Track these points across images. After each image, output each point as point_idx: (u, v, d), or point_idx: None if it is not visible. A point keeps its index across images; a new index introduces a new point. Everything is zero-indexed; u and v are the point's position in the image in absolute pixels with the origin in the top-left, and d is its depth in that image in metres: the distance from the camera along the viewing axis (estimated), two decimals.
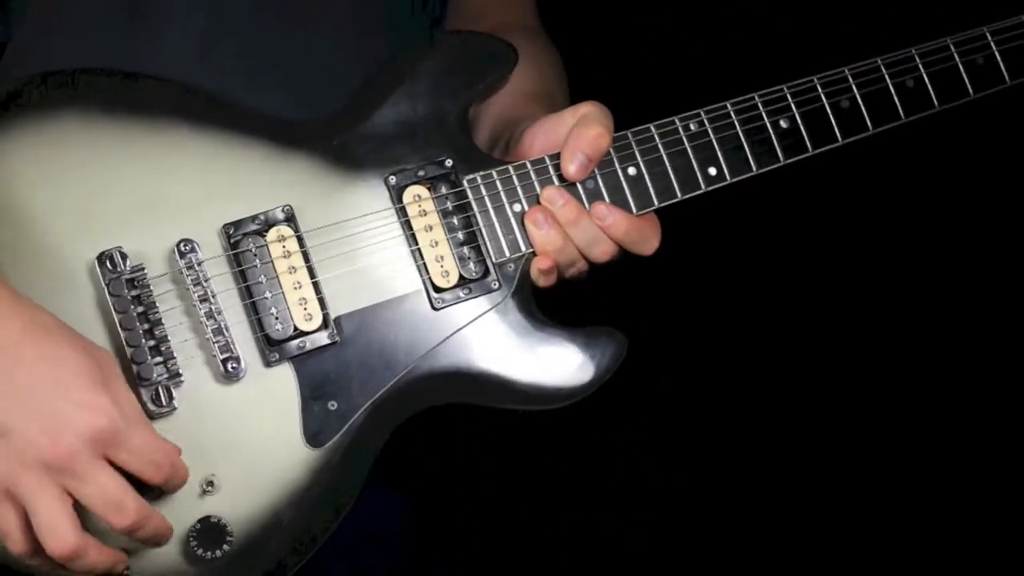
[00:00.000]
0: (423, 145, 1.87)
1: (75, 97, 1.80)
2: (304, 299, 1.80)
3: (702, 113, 1.92)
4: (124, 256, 1.76)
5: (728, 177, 1.92)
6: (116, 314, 1.75)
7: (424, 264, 1.84)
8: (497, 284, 1.86)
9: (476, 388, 1.84)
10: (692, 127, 1.92)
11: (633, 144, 1.90)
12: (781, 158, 1.94)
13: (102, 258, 1.76)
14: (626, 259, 1.91)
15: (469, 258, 1.85)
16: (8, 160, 1.77)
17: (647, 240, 1.88)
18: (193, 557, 1.74)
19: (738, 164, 1.92)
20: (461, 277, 1.85)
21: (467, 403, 1.85)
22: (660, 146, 1.90)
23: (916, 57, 1.98)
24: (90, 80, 1.82)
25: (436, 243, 1.85)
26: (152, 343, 1.75)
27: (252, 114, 1.85)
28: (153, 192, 1.80)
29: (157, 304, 1.76)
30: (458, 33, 1.96)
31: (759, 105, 1.94)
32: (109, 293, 1.75)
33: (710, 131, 1.92)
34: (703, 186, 1.92)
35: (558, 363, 1.85)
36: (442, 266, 1.85)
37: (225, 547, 1.73)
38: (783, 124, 1.94)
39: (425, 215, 1.85)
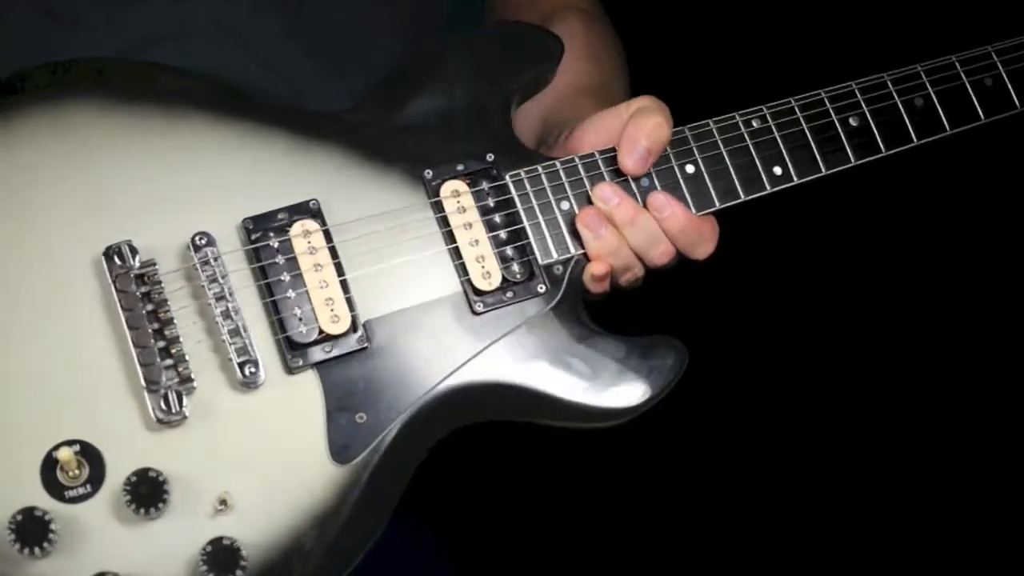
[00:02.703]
0: (462, 139, 1.71)
1: (86, 84, 1.66)
2: (331, 299, 1.63)
3: (764, 109, 1.77)
4: (134, 250, 1.60)
5: (795, 177, 1.76)
6: (122, 312, 1.58)
7: (463, 264, 1.67)
8: (544, 287, 1.68)
9: (521, 404, 1.66)
10: (754, 123, 1.76)
11: (691, 140, 1.74)
12: (852, 158, 1.78)
13: (109, 252, 1.59)
14: (681, 264, 1.75)
15: (513, 259, 1.68)
16: (13, 146, 1.61)
17: (703, 241, 1.71)
18: None
19: (805, 164, 1.76)
20: (504, 279, 1.68)
21: (509, 420, 1.67)
22: (720, 143, 1.75)
23: (993, 54, 1.83)
24: (102, 67, 1.68)
25: (476, 242, 1.68)
26: (162, 344, 1.58)
27: (272, 105, 1.71)
28: (166, 185, 1.64)
29: (168, 302, 1.59)
30: (502, 22, 1.81)
31: (826, 101, 1.78)
32: (116, 289, 1.58)
33: (774, 128, 1.76)
34: (768, 186, 1.75)
35: (612, 377, 1.67)
36: (483, 267, 1.67)
37: (239, 573, 1.53)
38: (852, 122, 1.78)
39: (464, 212, 1.69)
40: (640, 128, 1.69)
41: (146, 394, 1.57)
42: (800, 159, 1.76)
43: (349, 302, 1.63)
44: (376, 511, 1.61)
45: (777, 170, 1.75)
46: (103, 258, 1.59)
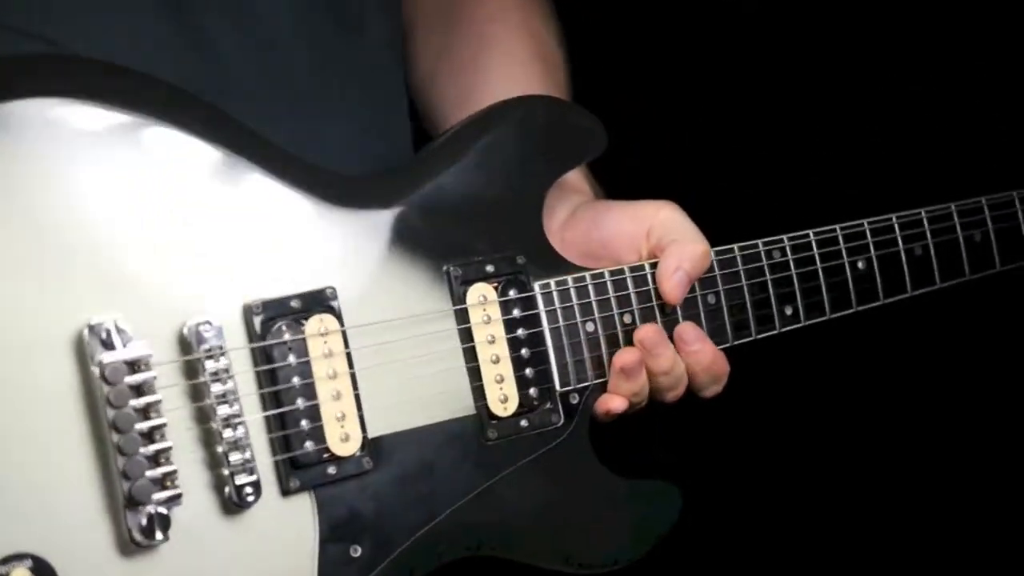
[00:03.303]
0: (492, 233, 1.52)
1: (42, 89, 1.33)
2: (343, 415, 1.42)
3: (785, 240, 1.67)
4: (121, 332, 1.32)
5: (802, 319, 1.68)
6: (109, 409, 1.31)
7: (482, 386, 1.49)
8: (558, 419, 1.53)
9: (520, 544, 1.51)
10: (775, 255, 1.65)
11: (715, 267, 1.62)
12: (854, 304, 1.71)
13: (94, 331, 1.31)
14: None
15: (531, 382, 1.52)
16: None
17: (719, 381, 1.61)
18: None
19: (813, 307, 1.68)
20: (520, 405, 1.51)
21: (503, 557, 1.52)
22: (743, 274, 1.63)
23: (986, 208, 1.81)
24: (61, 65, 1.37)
25: (497, 360, 1.50)
26: (150, 453, 1.32)
27: (293, 159, 1.44)
28: (156, 246, 1.36)
29: (162, 400, 1.33)
30: (548, 100, 1.60)
31: (840, 239, 1.70)
32: (104, 379, 1.31)
33: (792, 264, 1.66)
34: (777, 326, 1.66)
35: (613, 526, 1.55)
36: (501, 389, 1.50)
37: None
38: (860, 266, 1.71)
39: (489, 323, 1.50)
40: (686, 256, 1.56)
41: (124, 512, 1.31)
42: (810, 302, 1.67)
43: (362, 420, 1.42)
44: None
45: (788, 310, 1.66)
46: (86, 335, 1.31)
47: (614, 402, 1.54)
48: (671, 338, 1.56)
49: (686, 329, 1.57)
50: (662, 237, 1.57)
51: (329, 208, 1.44)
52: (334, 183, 1.45)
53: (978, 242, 1.80)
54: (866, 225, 1.72)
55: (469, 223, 1.51)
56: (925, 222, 1.75)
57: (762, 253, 1.65)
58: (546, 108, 1.57)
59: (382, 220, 1.46)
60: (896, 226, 1.73)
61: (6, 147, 1.30)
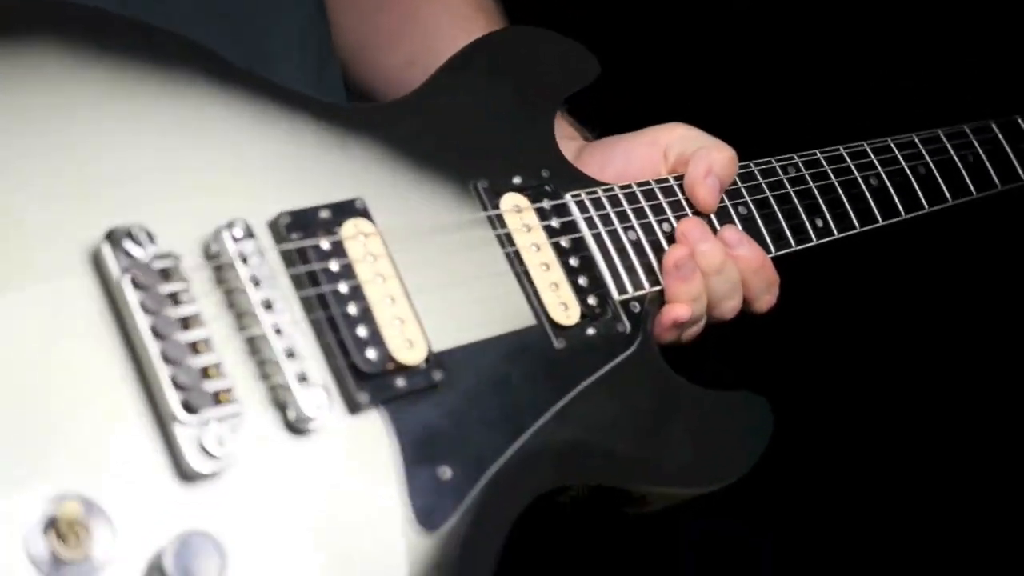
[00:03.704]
0: (512, 152, 1.41)
1: (56, 24, 1.22)
2: (401, 319, 1.25)
3: (796, 158, 1.59)
4: (150, 236, 1.15)
5: (835, 231, 1.58)
6: (144, 315, 1.12)
7: (536, 293, 1.34)
8: (626, 328, 1.38)
9: (614, 468, 1.33)
10: (791, 171, 1.58)
11: (737, 180, 1.53)
12: (879, 218, 1.63)
13: (115, 237, 1.14)
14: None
15: (588, 291, 1.37)
16: None
17: (771, 288, 1.49)
18: None
19: (840, 218, 1.59)
20: (583, 314, 1.36)
21: (599, 484, 1.33)
22: (765, 186, 1.55)
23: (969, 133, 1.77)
24: (89, 16, 1.24)
25: (548, 266, 1.36)
26: (199, 365, 1.13)
27: (294, 91, 1.33)
28: (173, 159, 1.22)
29: (201, 309, 1.15)
30: (542, 30, 1.53)
31: (846, 157, 1.63)
32: (135, 284, 1.13)
33: (808, 178, 1.58)
34: (813, 238, 1.56)
35: (706, 447, 1.38)
36: (558, 296, 1.35)
37: None
38: (873, 182, 1.64)
39: (529, 231, 1.37)
40: (715, 161, 1.47)
41: (176, 429, 1.10)
42: (836, 213, 1.59)
43: (421, 323, 1.25)
44: None
45: (818, 222, 1.57)
46: (106, 245, 1.14)
47: (677, 310, 1.40)
48: None
49: (729, 232, 1.46)
50: (683, 150, 1.49)
51: (345, 131, 1.32)
52: (344, 110, 1.36)
53: (971, 163, 1.75)
54: (867, 145, 1.66)
55: (487, 141, 1.40)
56: (919, 143, 1.71)
57: (777, 168, 1.57)
58: (544, 33, 1.50)
59: (396, 140, 1.35)
60: (893, 146, 1.68)
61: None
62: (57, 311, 1.12)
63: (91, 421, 1.09)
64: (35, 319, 1.11)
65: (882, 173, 1.65)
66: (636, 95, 1.74)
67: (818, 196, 1.58)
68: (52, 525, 1.04)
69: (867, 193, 1.62)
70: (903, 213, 1.65)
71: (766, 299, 1.49)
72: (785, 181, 1.56)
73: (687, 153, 1.48)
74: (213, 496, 1.11)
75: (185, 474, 1.11)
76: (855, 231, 1.60)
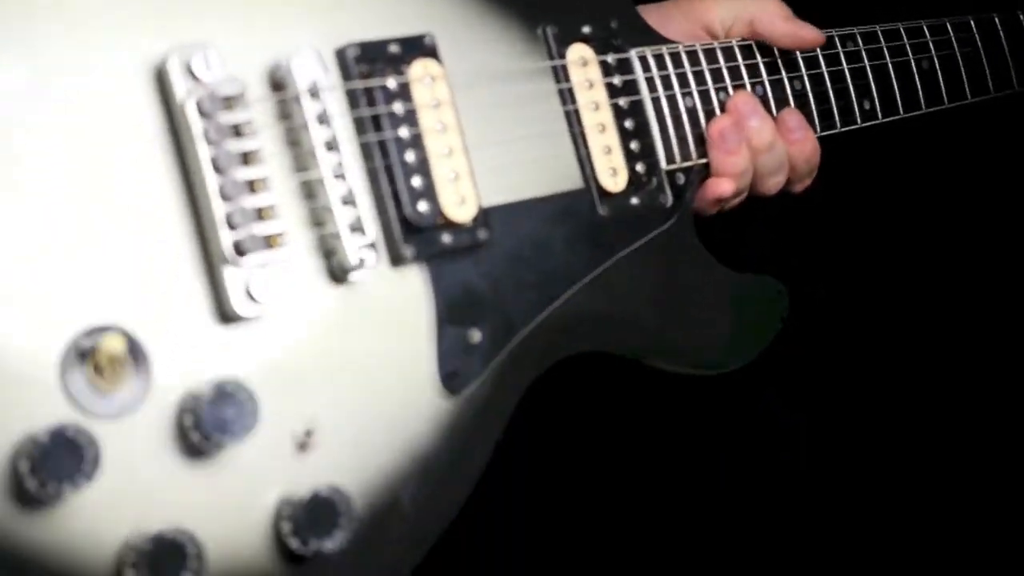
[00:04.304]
0: None
1: None
2: (456, 173, 1.21)
3: (856, 31, 1.55)
4: (211, 63, 1.09)
5: (879, 115, 1.55)
6: (206, 146, 1.08)
7: (589, 155, 1.31)
8: (667, 200, 1.36)
9: (633, 338, 1.34)
10: (849, 45, 1.53)
11: (797, 50, 1.48)
12: (922, 104, 1.60)
13: (183, 55, 1.08)
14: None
15: (638, 157, 1.34)
16: None
17: (812, 172, 1.47)
18: (283, 553, 1.09)
19: (888, 102, 1.56)
20: (629, 181, 1.33)
21: (618, 353, 1.33)
22: (822, 60, 1.50)
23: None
24: None
25: (603, 128, 1.32)
26: (253, 205, 1.09)
27: None
28: None
29: (263, 144, 1.11)
30: None
31: (903, 34, 1.59)
32: (200, 112, 1.07)
33: (864, 55, 1.54)
34: (859, 120, 1.53)
35: (723, 323, 1.39)
36: (610, 161, 1.32)
37: (336, 536, 1.09)
38: (924, 65, 1.60)
39: (591, 88, 1.32)
40: (777, 10, 1.44)
41: (224, 271, 1.08)
42: (886, 95, 1.56)
43: (474, 180, 1.22)
44: (476, 458, 1.22)
45: (866, 104, 1.54)
46: (172, 61, 1.08)
47: (722, 185, 1.38)
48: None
49: (791, 115, 1.43)
50: (732, 25, 1.46)
51: None
52: None
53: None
54: (924, 24, 1.62)
55: None
56: (974, 27, 1.66)
57: (837, 41, 1.52)
58: None
59: None
60: (950, 27, 1.64)
61: None
62: (113, 125, 1.07)
63: (138, 252, 1.06)
64: (91, 127, 1.06)
65: (935, 56, 1.61)
66: None
67: (870, 76, 1.54)
68: (91, 355, 1.03)
69: (916, 77, 1.59)
70: (946, 101, 1.63)
71: (805, 182, 1.48)
72: (842, 56, 1.52)
73: (738, 25, 1.45)
74: (251, 340, 1.10)
75: (227, 316, 1.09)
76: (899, 116, 1.58)
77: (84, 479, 0.99)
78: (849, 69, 1.52)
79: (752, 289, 1.41)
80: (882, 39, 1.56)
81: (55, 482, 0.98)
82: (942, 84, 1.61)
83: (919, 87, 1.58)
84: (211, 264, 1.08)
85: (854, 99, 1.52)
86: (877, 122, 1.56)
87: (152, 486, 1.05)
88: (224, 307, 1.08)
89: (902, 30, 1.58)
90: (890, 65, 1.56)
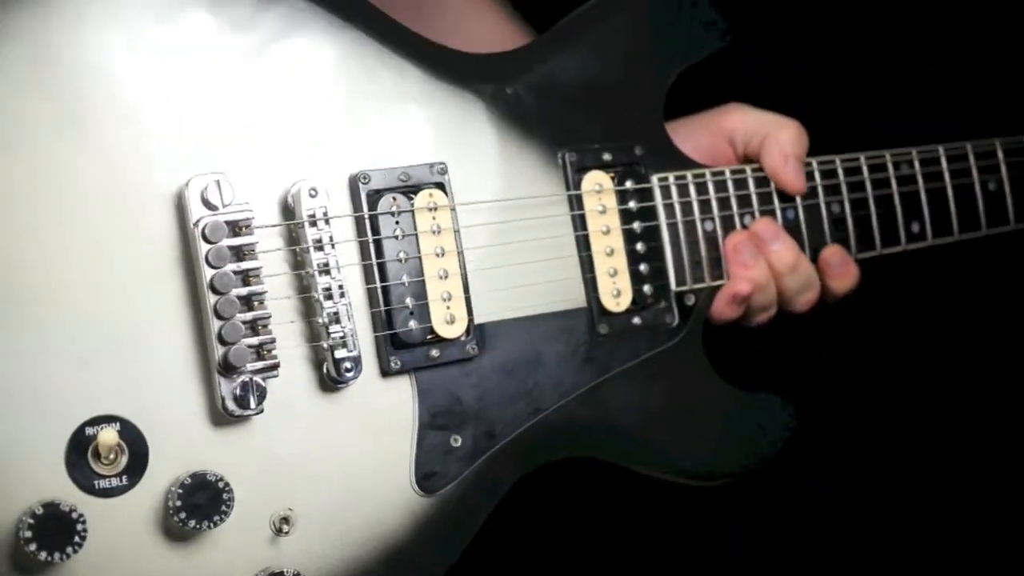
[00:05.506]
0: (610, 121, 1.44)
1: None
2: (449, 295, 1.34)
3: (914, 153, 1.57)
4: (224, 191, 1.25)
5: (929, 237, 1.58)
6: (208, 269, 1.24)
7: (593, 278, 1.41)
8: (673, 320, 1.44)
9: (622, 448, 1.43)
10: (903, 168, 1.56)
11: (840, 174, 1.53)
12: (983, 226, 1.61)
13: (197, 188, 1.24)
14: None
15: (646, 279, 1.43)
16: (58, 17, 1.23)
17: (851, 289, 1.53)
18: None
19: (941, 224, 1.59)
20: (633, 301, 1.43)
21: (607, 461, 1.44)
22: (868, 184, 1.54)
23: None
24: None
25: (612, 252, 1.42)
26: (248, 319, 1.25)
27: (408, 32, 1.37)
28: (264, 112, 1.29)
29: (262, 266, 1.26)
30: None
31: (970, 155, 1.60)
32: (203, 237, 1.24)
33: (920, 177, 1.57)
34: (903, 243, 1.57)
35: (723, 435, 1.47)
36: (615, 283, 1.42)
37: None
38: (991, 187, 1.62)
39: (604, 213, 1.42)
40: (785, 142, 1.49)
41: (218, 378, 1.24)
42: (938, 218, 1.58)
43: (468, 303, 1.35)
44: (448, 551, 1.35)
45: (915, 227, 1.57)
46: (185, 193, 1.24)
47: (737, 284, 1.45)
48: (815, 262, 1.50)
49: (832, 254, 1.50)
50: (749, 140, 1.51)
51: (442, 83, 1.37)
52: (449, 58, 1.38)
53: None
54: (997, 144, 1.62)
55: (586, 110, 1.43)
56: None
57: (889, 164, 1.55)
58: None
59: (496, 99, 1.39)
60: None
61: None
62: (134, 241, 1.23)
63: (149, 355, 1.23)
64: (119, 249, 1.23)
65: (1004, 175, 1.62)
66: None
67: (923, 199, 1.57)
68: (92, 444, 1.21)
69: (980, 197, 1.60)
70: (1012, 222, 1.64)
71: (843, 295, 1.52)
72: (892, 179, 1.55)
73: (755, 141, 1.50)
74: (239, 437, 1.26)
75: (219, 417, 1.25)
76: (952, 238, 1.60)
77: (72, 551, 1.18)
78: (899, 192, 1.56)
79: (754, 406, 1.48)
80: (944, 161, 1.58)
81: (47, 551, 1.17)
82: (1010, 206, 1.62)
83: (981, 208, 1.60)
84: (208, 370, 1.25)
85: (900, 222, 1.56)
86: (926, 244, 1.59)
87: (135, 559, 1.22)
88: (216, 409, 1.25)
89: (969, 151, 1.60)
90: (949, 187, 1.58)
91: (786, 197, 1.50)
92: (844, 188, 1.53)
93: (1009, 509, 1.96)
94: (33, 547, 1.17)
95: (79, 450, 1.21)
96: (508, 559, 1.67)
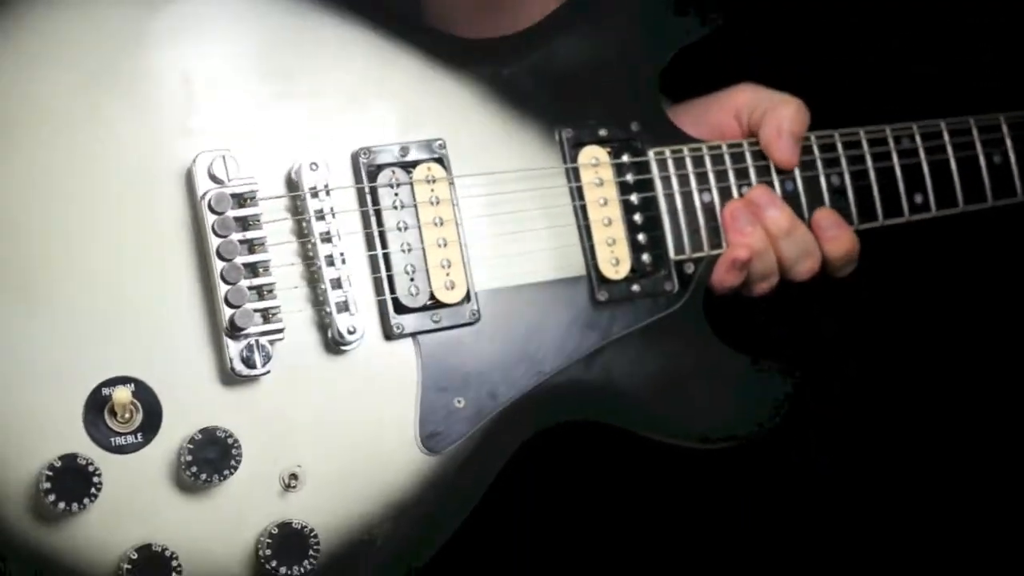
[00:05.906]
0: (606, 99, 1.50)
1: None
2: (448, 261, 1.40)
3: (914, 128, 1.61)
4: (230, 166, 1.33)
5: (933, 208, 1.61)
6: (214, 237, 1.32)
7: (592, 246, 1.47)
8: (672, 286, 1.49)
9: (625, 411, 1.48)
10: (904, 142, 1.60)
11: (840, 147, 1.57)
12: (989, 198, 1.64)
13: (205, 162, 1.32)
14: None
15: (644, 248, 1.49)
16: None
17: (851, 264, 1.56)
18: (261, 572, 1.31)
19: (945, 196, 1.62)
20: (632, 269, 1.48)
21: (606, 423, 1.48)
22: (868, 157, 1.58)
23: None
24: None
25: (609, 222, 1.48)
26: (254, 284, 1.33)
27: (408, 18, 1.45)
28: (270, 91, 1.38)
29: (267, 235, 1.34)
30: None
31: (973, 130, 1.63)
32: (209, 208, 1.32)
33: (922, 151, 1.60)
34: (906, 213, 1.60)
35: (726, 404, 1.50)
36: (613, 252, 1.47)
37: (307, 565, 1.31)
38: (996, 159, 1.64)
39: (601, 185, 1.48)
40: (783, 117, 1.53)
41: (226, 340, 1.32)
42: (942, 190, 1.61)
43: (467, 270, 1.41)
44: (456, 509, 1.41)
45: (918, 198, 1.60)
46: (193, 168, 1.32)
47: (736, 250, 1.49)
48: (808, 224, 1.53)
49: (823, 215, 1.53)
50: (752, 112, 1.55)
51: (442, 66, 1.44)
52: (448, 43, 1.46)
53: None
54: (1002, 118, 1.65)
55: (582, 88, 1.49)
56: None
57: (890, 138, 1.59)
58: None
59: (494, 81, 1.46)
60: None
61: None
62: (146, 215, 1.32)
63: (156, 315, 1.31)
64: (133, 222, 1.32)
65: (1009, 149, 1.65)
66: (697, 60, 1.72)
67: (926, 171, 1.60)
68: (108, 403, 1.29)
69: (984, 170, 1.63)
70: (1019, 194, 1.66)
71: (847, 269, 1.56)
72: (894, 152, 1.59)
73: (756, 115, 1.54)
74: (248, 396, 1.33)
75: (228, 377, 1.32)
76: (957, 209, 1.63)
77: (89, 500, 1.26)
78: (900, 164, 1.59)
79: (757, 373, 1.52)
80: (946, 135, 1.61)
81: (64, 501, 1.25)
82: (1016, 178, 1.65)
83: (986, 180, 1.63)
84: (217, 333, 1.32)
85: (903, 193, 1.59)
86: (930, 215, 1.62)
87: (149, 509, 1.29)
88: (224, 369, 1.32)
89: (973, 125, 1.63)
90: (952, 159, 1.61)
91: (784, 169, 1.54)
92: (844, 160, 1.57)
93: (1013, 481, 1.96)
94: (52, 497, 1.24)
95: (96, 408, 1.29)
96: (513, 525, 1.70)
